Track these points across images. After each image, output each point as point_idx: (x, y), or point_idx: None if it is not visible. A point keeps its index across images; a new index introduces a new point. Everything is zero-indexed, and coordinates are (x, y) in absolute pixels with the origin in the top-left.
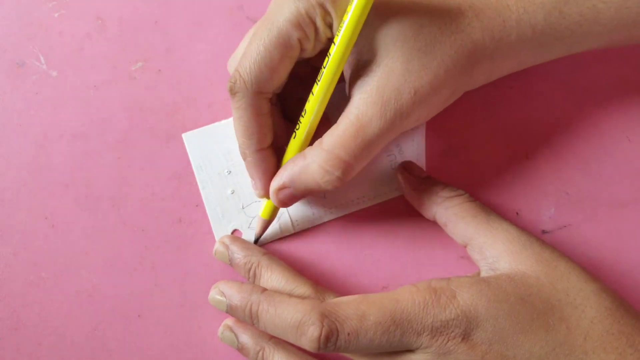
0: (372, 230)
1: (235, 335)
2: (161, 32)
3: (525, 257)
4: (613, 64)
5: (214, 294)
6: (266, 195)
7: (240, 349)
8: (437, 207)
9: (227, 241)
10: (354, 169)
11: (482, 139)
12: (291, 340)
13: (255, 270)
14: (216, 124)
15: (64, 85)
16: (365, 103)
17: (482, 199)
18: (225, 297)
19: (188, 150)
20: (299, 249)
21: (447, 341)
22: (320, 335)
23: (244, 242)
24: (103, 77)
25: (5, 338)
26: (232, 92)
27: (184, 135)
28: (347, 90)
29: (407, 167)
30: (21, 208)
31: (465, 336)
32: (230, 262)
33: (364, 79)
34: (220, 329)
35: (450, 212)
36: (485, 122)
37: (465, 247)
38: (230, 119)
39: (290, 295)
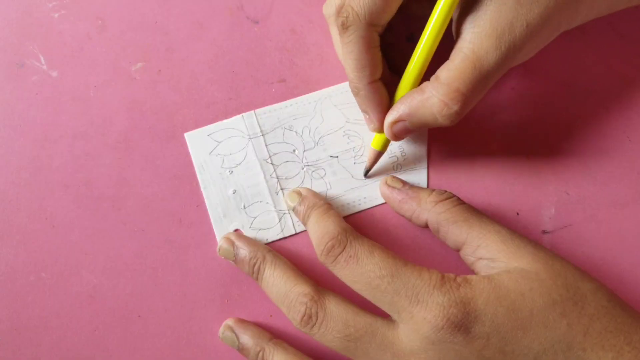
0: (372, 230)
1: (236, 335)
2: (161, 33)
3: (520, 256)
4: (614, 64)
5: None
6: (380, 128)
7: (241, 349)
8: (427, 214)
9: (232, 237)
10: (470, 103)
11: (483, 139)
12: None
13: (260, 266)
14: (218, 123)
15: (64, 86)
16: (480, 36)
17: (482, 199)
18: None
19: (190, 149)
20: (300, 248)
21: (442, 328)
22: (329, 243)
23: (249, 239)
24: (103, 78)
25: (5, 338)
26: (345, 26)
27: (186, 135)
28: (453, 29)
29: (388, 183)
30: (21, 208)
31: (463, 328)
32: (235, 259)
33: (475, 13)
34: (221, 329)
35: (441, 217)
36: (486, 122)
37: (458, 251)
38: (232, 119)
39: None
